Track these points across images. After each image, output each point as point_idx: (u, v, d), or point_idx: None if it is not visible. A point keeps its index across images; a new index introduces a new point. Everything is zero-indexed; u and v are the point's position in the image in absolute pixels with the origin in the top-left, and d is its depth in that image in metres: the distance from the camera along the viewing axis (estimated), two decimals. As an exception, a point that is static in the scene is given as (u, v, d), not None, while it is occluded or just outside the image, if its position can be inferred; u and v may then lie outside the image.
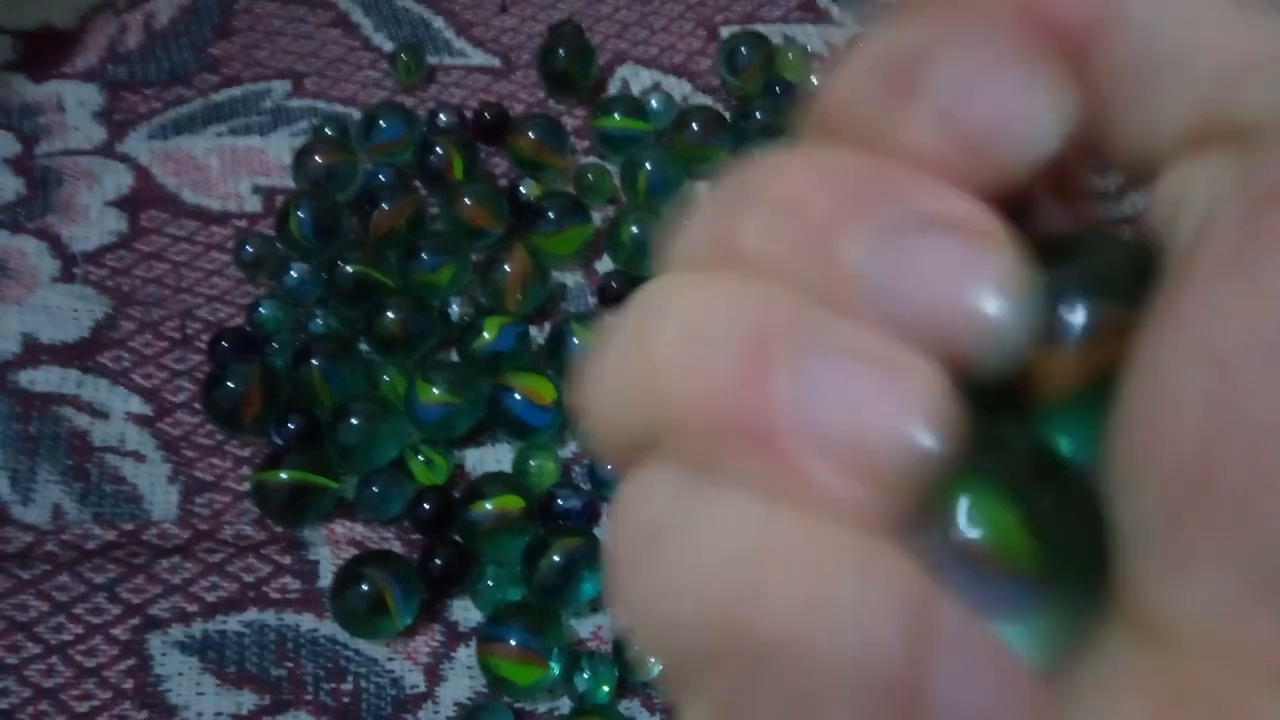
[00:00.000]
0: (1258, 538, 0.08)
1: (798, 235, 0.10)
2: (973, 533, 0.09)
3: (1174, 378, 0.09)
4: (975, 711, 0.09)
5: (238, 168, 0.38)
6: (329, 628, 0.29)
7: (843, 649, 0.09)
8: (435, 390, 0.31)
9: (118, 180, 0.38)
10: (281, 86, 0.40)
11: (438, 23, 0.43)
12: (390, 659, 0.29)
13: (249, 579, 0.30)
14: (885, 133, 0.10)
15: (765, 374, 0.09)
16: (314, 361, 0.31)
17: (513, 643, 0.27)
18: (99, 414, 0.32)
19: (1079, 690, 0.09)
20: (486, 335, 0.32)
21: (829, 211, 0.10)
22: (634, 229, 0.34)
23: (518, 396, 0.31)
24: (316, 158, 0.36)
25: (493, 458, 0.32)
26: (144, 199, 0.37)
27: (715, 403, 0.09)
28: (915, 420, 0.09)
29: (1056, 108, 0.10)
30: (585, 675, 0.28)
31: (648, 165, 0.36)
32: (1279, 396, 0.08)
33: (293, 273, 0.34)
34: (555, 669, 0.27)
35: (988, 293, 0.10)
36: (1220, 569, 0.09)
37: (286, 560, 0.30)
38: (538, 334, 0.34)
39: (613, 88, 0.41)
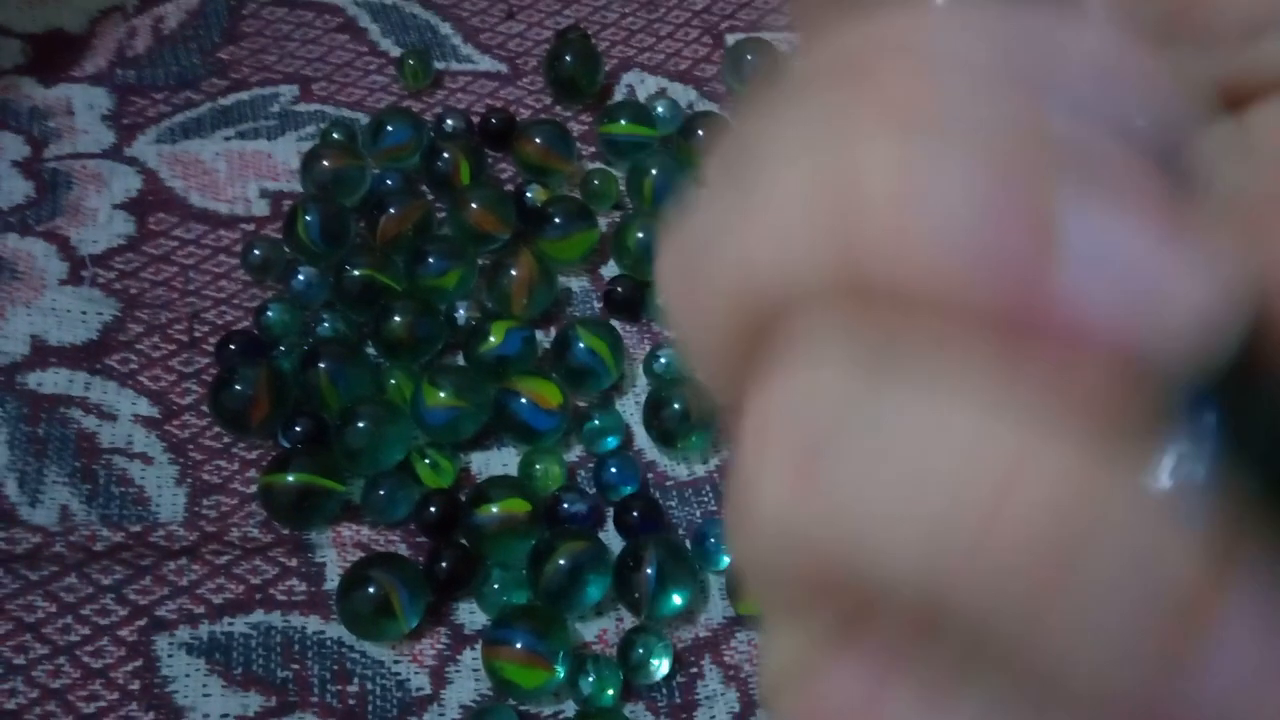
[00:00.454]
0: None
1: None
2: None
3: None
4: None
5: (245, 171, 0.38)
6: (335, 630, 0.29)
7: (1114, 643, 0.06)
8: (441, 394, 0.31)
9: (126, 183, 0.38)
10: (289, 91, 0.41)
11: (445, 28, 0.43)
12: (396, 661, 0.29)
13: (256, 581, 0.30)
14: None
15: (1030, 222, 0.07)
16: (321, 365, 0.31)
17: (518, 646, 0.27)
18: (107, 416, 0.33)
19: None
20: (493, 339, 0.32)
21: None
22: (640, 234, 0.35)
23: (523, 400, 0.31)
24: (324, 162, 0.36)
25: (498, 461, 0.32)
26: (152, 202, 0.37)
27: (953, 257, 0.07)
28: (1218, 298, 0.07)
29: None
30: (590, 678, 0.28)
31: (653, 171, 0.36)
32: None
33: (300, 276, 0.34)
34: (560, 672, 0.27)
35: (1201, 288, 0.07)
36: None
37: (293, 562, 0.30)
38: (544, 338, 0.34)
39: (619, 94, 0.41)
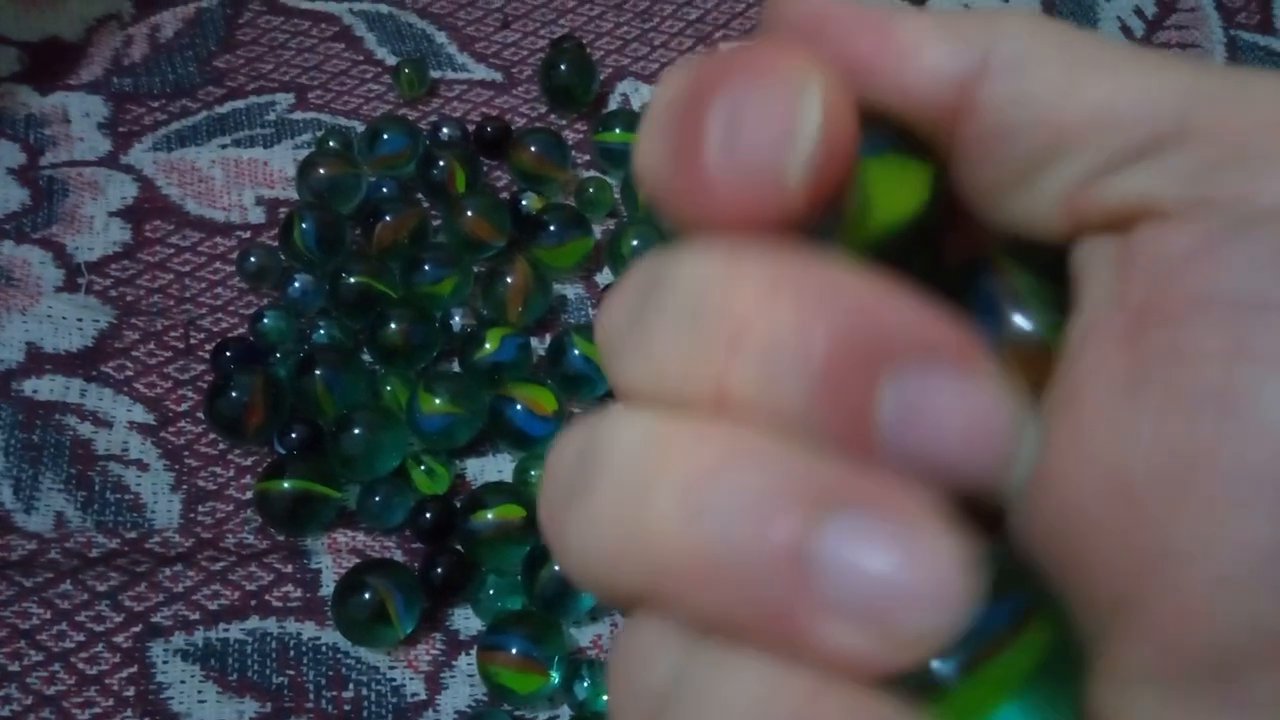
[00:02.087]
0: (1183, 661, 0.09)
1: (788, 376, 0.09)
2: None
3: (1085, 501, 0.09)
4: None
5: (241, 179, 0.39)
6: (331, 636, 0.29)
7: None
8: (437, 401, 0.31)
9: (122, 191, 0.38)
10: (285, 99, 0.41)
11: (440, 37, 0.43)
12: (391, 667, 0.29)
13: (251, 587, 0.30)
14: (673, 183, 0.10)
15: (784, 545, 0.09)
16: (317, 372, 0.31)
17: (513, 651, 0.27)
18: (102, 423, 0.33)
19: None
20: (488, 346, 0.32)
21: (832, 355, 0.09)
22: (634, 242, 0.35)
23: (519, 407, 0.31)
24: (320, 170, 0.36)
25: (494, 468, 0.32)
26: (148, 210, 0.38)
27: (731, 577, 0.09)
28: (940, 588, 0.09)
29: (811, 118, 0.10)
30: (585, 684, 0.28)
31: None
32: (1185, 526, 0.09)
33: (296, 283, 0.34)
34: (555, 677, 0.27)
35: (1006, 425, 0.09)
36: (1154, 689, 0.09)
37: (288, 569, 0.30)
38: (539, 345, 0.34)
39: (613, 102, 0.41)
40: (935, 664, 0.09)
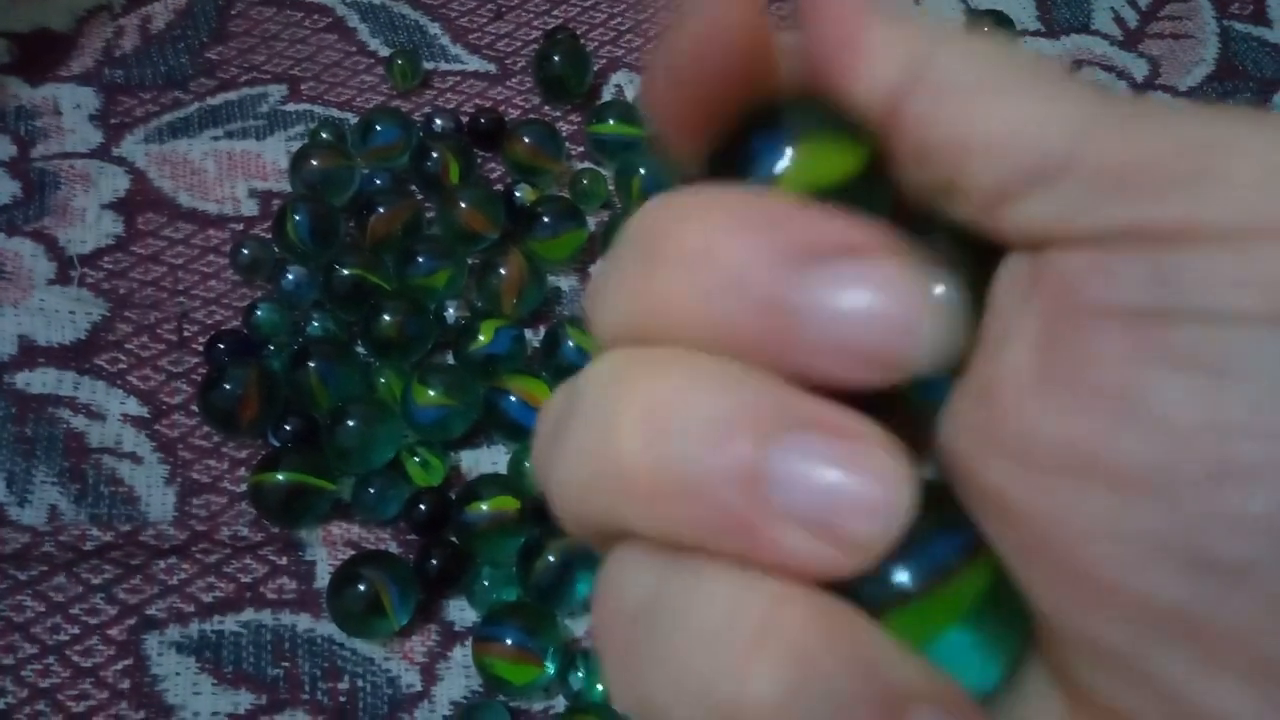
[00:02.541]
0: (1097, 636, 0.10)
1: (722, 291, 0.10)
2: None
3: (999, 485, 0.10)
4: None
5: (234, 171, 0.38)
6: (326, 628, 0.29)
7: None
8: (431, 393, 0.31)
9: (114, 183, 0.38)
10: (278, 91, 0.41)
11: (434, 28, 0.43)
12: (387, 659, 0.29)
13: (246, 579, 0.30)
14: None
15: (739, 463, 0.10)
16: (311, 364, 0.31)
17: (508, 642, 0.27)
18: (96, 416, 0.33)
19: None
20: (482, 338, 0.32)
21: (747, 260, 0.10)
22: (628, 234, 0.35)
23: (513, 399, 0.31)
24: (313, 162, 0.36)
25: (488, 459, 0.32)
26: (140, 202, 0.37)
27: (691, 494, 0.10)
28: (883, 496, 0.10)
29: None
30: (580, 674, 0.28)
31: (642, 170, 0.36)
32: (1086, 512, 0.10)
33: (289, 276, 0.34)
34: (550, 668, 0.27)
35: (912, 301, 0.10)
36: (1082, 657, 0.10)
37: (283, 561, 0.30)
38: (533, 337, 0.34)
39: (607, 94, 0.41)
40: (892, 581, 0.10)
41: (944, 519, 0.11)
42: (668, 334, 0.11)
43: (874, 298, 0.10)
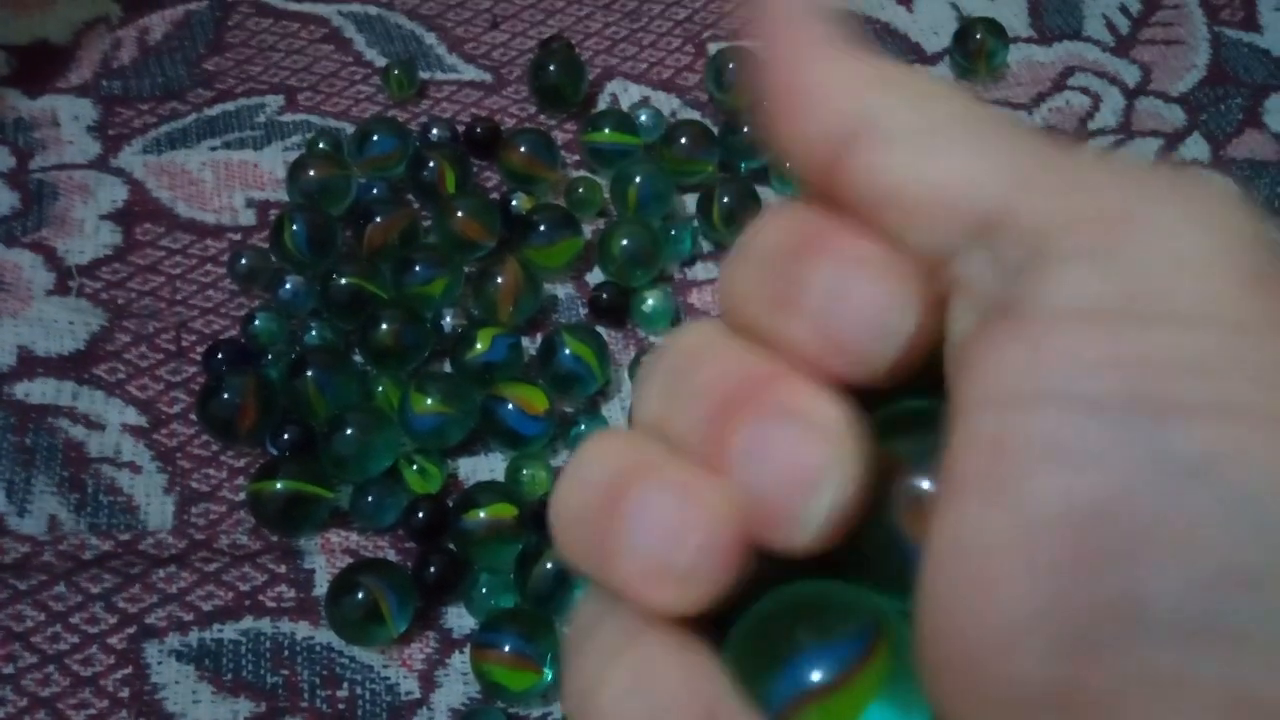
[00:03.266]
0: (991, 705, 0.10)
1: (700, 417, 0.12)
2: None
3: (953, 601, 0.10)
4: None
5: (231, 181, 0.39)
6: (325, 635, 0.29)
7: None
8: (429, 401, 0.31)
9: (112, 194, 0.38)
10: (275, 101, 0.41)
11: (430, 38, 0.43)
12: (385, 666, 0.29)
13: (245, 588, 0.30)
14: (774, 332, 0.12)
15: (613, 505, 0.12)
16: (308, 373, 0.31)
17: (506, 649, 0.27)
18: (95, 425, 0.33)
19: None
20: (479, 346, 0.32)
21: (723, 405, 0.12)
22: (624, 241, 0.35)
23: (510, 407, 0.31)
24: (310, 171, 0.36)
25: (486, 467, 0.33)
26: (138, 213, 0.38)
27: (585, 534, 0.12)
28: (700, 539, 0.11)
29: (909, 311, 0.11)
30: (578, 681, 0.28)
31: (637, 179, 0.36)
32: (969, 593, 0.10)
33: (287, 285, 0.34)
34: (549, 674, 0.28)
35: (810, 486, 0.11)
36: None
37: (282, 569, 0.30)
38: (530, 345, 0.34)
39: (602, 102, 0.41)
40: (810, 679, 0.11)
41: (846, 620, 0.12)
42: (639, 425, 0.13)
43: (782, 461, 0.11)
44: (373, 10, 0.44)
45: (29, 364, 0.34)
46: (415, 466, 0.31)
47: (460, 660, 0.29)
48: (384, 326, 0.32)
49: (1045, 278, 0.10)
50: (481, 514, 0.29)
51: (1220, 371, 0.09)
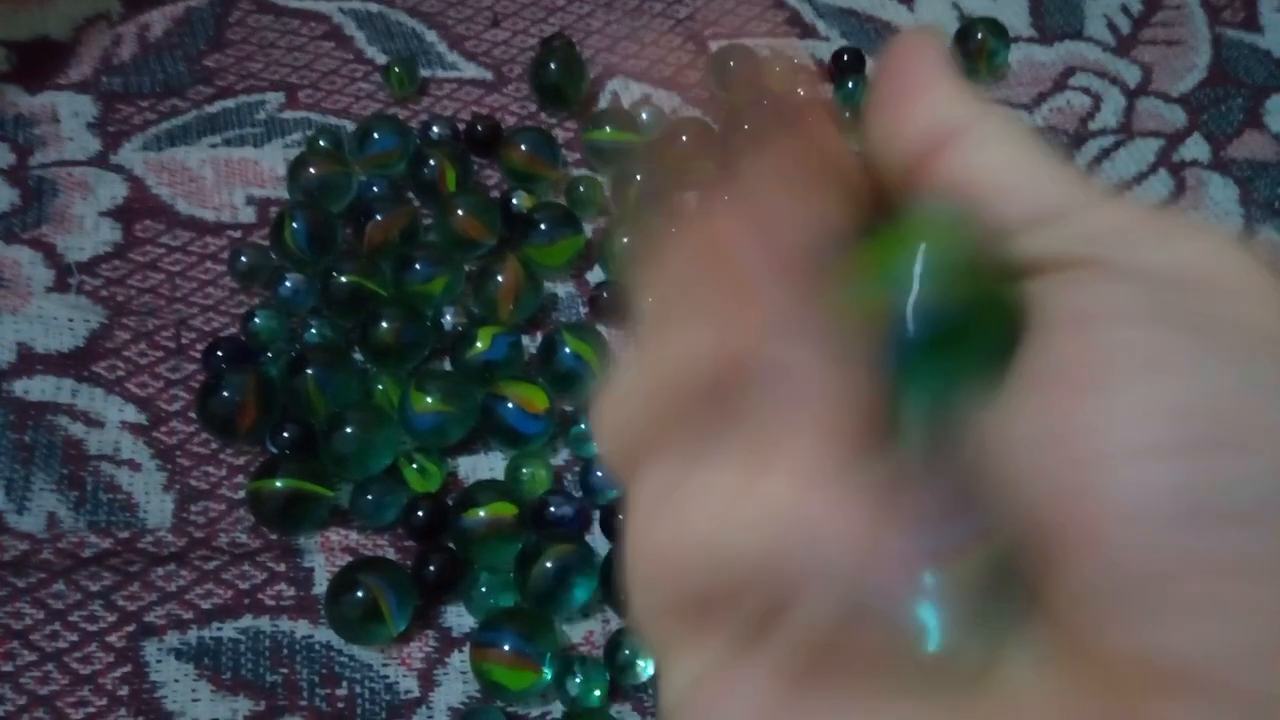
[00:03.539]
0: (1112, 580, 0.11)
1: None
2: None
3: (1027, 464, 0.11)
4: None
5: (232, 179, 0.39)
6: (324, 634, 0.29)
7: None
8: (429, 399, 0.31)
9: (112, 191, 0.38)
10: (275, 98, 0.41)
11: (430, 36, 0.43)
12: (384, 664, 0.29)
13: (244, 586, 0.30)
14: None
15: None
16: (308, 371, 0.31)
17: (506, 648, 0.27)
18: (94, 423, 0.33)
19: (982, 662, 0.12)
20: (479, 345, 0.32)
21: None
22: (624, 240, 0.35)
23: (510, 405, 0.31)
24: (311, 169, 0.36)
25: (486, 465, 0.32)
26: (138, 209, 0.38)
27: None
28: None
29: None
30: (577, 679, 0.28)
31: (638, 177, 0.36)
32: (1093, 477, 0.11)
33: (287, 283, 0.34)
34: (548, 674, 0.28)
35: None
36: (1095, 606, 0.11)
37: (281, 567, 0.30)
38: (530, 343, 0.34)
39: (603, 101, 0.41)
40: None
41: None
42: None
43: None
44: (374, 7, 0.44)
45: (28, 361, 0.34)
46: (415, 465, 0.31)
47: (459, 659, 0.29)
48: (384, 324, 0.32)
49: (1129, 252, 0.12)
50: (481, 513, 0.29)
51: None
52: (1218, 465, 0.11)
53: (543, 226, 0.35)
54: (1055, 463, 0.11)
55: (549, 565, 0.28)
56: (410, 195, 0.37)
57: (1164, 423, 0.11)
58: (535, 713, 0.28)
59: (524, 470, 0.31)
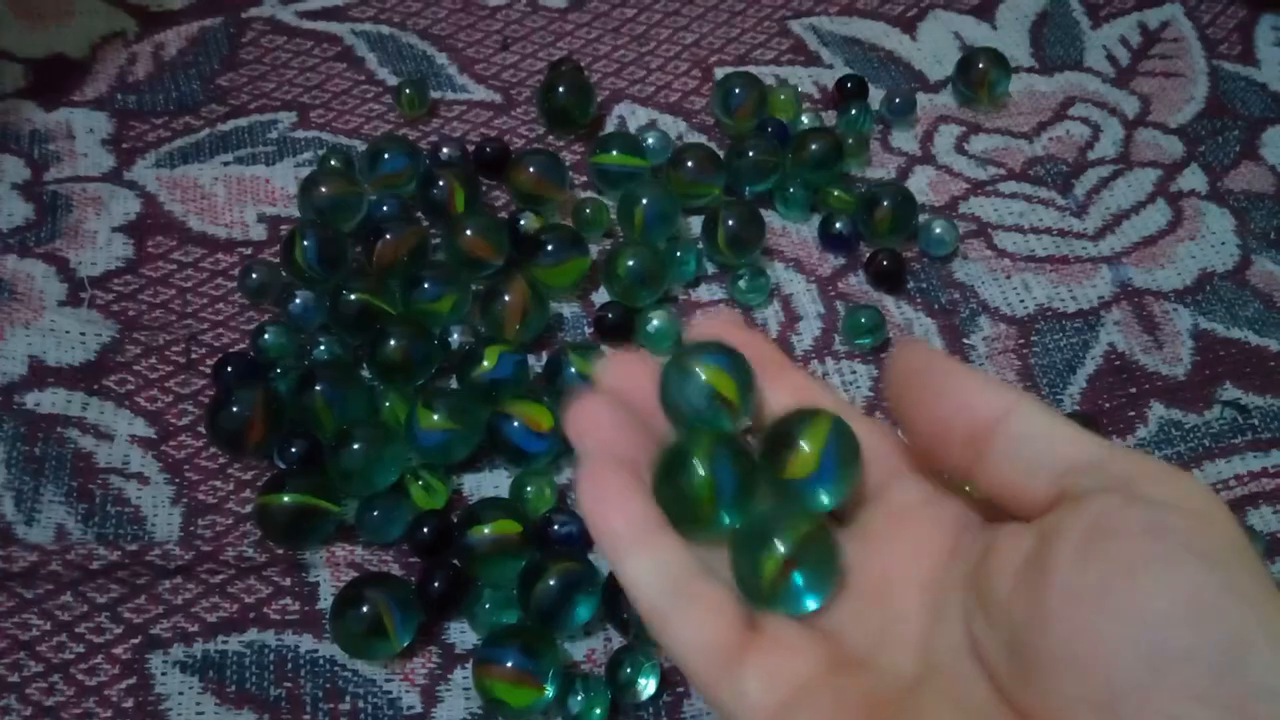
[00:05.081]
0: None
1: None
2: None
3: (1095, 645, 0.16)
4: None
5: (243, 196, 0.39)
6: (328, 649, 0.29)
7: None
8: (435, 417, 0.31)
9: (125, 207, 0.38)
10: (287, 118, 0.41)
11: (441, 58, 0.44)
12: (388, 680, 0.29)
13: (250, 600, 0.30)
14: None
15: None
16: (317, 387, 0.32)
17: (508, 665, 0.28)
18: (104, 436, 0.33)
19: None
20: (486, 363, 0.33)
21: None
22: (630, 262, 0.35)
23: (516, 424, 0.31)
24: (322, 188, 0.37)
25: (490, 483, 0.33)
26: (151, 225, 0.38)
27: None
28: None
29: None
30: (579, 697, 0.28)
31: (644, 200, 0.37)
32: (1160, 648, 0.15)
33: (297, 300, 0.35)
34: (550, 691, 0.28)
35: None
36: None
37: (287, 582, 0.31)
38: (536, 363, 0.35)
39: (610, 125, 0.42)
40: None
41: None
42: None
43: None
44: (385, 30, 0.45)
45: (40, 374, 0.34)
46: (421, 482, 0.32)
47: (462, 675, 0.29)
48: (392, 342, 0.33)
49: (1138, 486, 0.17)
50: (485, 530, 0.30)
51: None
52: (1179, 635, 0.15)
53: (550, 247, 0.35)
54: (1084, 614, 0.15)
55: (552, 583, 0.29)
56: (419, 215, 0.38)
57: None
58: (537, 730, 0.29)
59: (528, 488, 0.32)
